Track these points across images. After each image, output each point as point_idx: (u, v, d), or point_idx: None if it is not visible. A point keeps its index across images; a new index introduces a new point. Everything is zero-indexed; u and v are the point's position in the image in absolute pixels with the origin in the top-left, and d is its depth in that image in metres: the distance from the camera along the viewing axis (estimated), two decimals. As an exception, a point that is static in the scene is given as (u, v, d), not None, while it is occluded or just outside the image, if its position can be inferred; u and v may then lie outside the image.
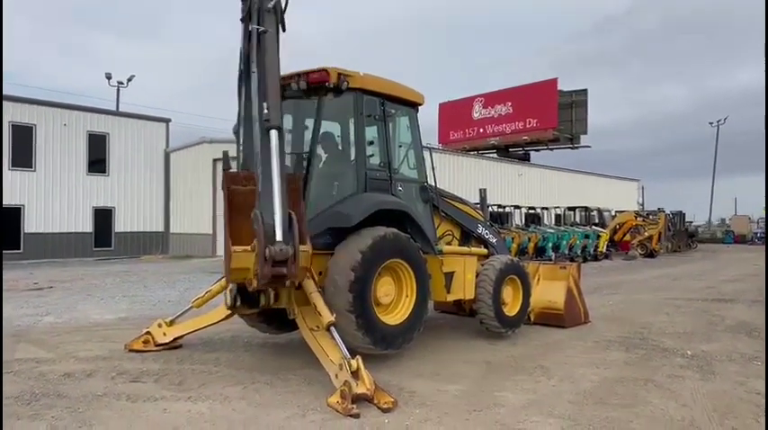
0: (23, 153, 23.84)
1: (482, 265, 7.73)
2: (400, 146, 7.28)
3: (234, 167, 5.67)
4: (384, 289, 6.14)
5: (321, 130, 6.41)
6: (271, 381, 5.62)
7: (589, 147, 46.10)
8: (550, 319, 8.60)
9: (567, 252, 23.42)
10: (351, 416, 4.58)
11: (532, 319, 8.59)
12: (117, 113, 29.33)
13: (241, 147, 5.77)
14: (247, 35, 5.19)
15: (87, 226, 25.73)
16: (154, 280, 14.90)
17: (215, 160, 24.04)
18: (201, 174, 25.44)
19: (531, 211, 27.47)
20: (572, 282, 8.82)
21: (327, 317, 5.41)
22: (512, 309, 7.80)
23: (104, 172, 26.26)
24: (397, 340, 6.11)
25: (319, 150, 6.53)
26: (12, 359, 6.42)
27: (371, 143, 6.64)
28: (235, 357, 6.62)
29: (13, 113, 23.54)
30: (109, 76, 39.97)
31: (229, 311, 6.25)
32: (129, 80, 40.96)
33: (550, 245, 23.03)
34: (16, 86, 64.36)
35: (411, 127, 7.30)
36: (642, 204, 50.27)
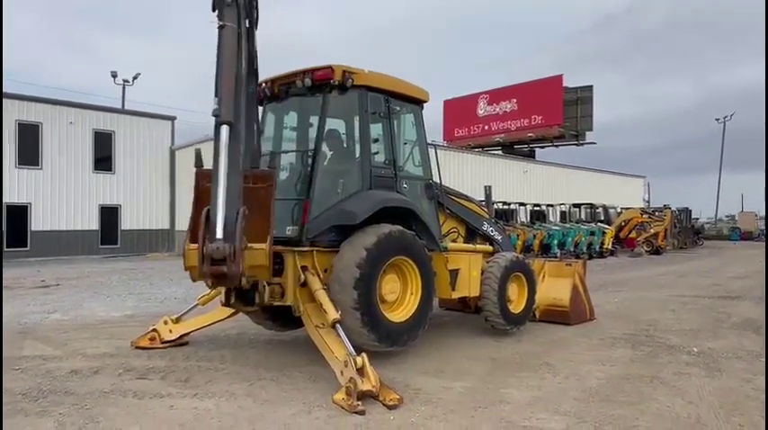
0: (30, 151, 23.94)
1: (487, 263, 7.72)
2: (405, 143, 7.27)
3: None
4: (389, 286, 6.14)
5: (326, 128, 6.41)
6: (276, 378, 5.64)
7: (594, 143, 45.96)
8: (556, 316, 8.59)
9: (572, 249, 23.37)
10: (356, 412, 4.59)
11: (538, 316, 8.58)
12: (123, 111, 29.39)
13: None
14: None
15: (93, 223, 25.84)
16: (160, 277, 14.94)
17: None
18: (207, 171, 25.41)
19: (536, 208, 27.42)
20: (577, 279, 8.81)
21: (333, 314, 5.42)
22: (517, 306, 7.79)
23: (110, 170, 26.35)
24: (403, 337, 6.11)
25: (324, 148, 6.53)
26: (19, 356, 6.47)
27: (376, 140, 6.64)
28: (240, 354, 6.64)
29: (20, 112, 23.63)
30: (114, 75, 40.08)
31: (234, 309, 6.27)
32: (135, 78, 41.09)
33: (556, 242, 22.98)
34: (22, 85, 64.70)
35: (416, 124, 7.30)
36: (648, 201, 50.06)
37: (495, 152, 43.60)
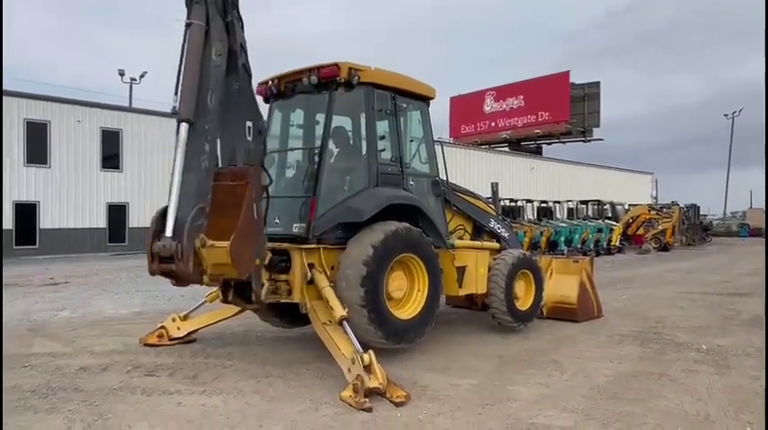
0: (38, 150, 24.05)
1: (494, 260, 7.70)
2: (412, 140, 7.26)
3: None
4: (396, 283, 6.14)
5: (332, 125, 6.41)
6: (284, 375, 5.66)
7: (602, 140, 45.85)
8: (563, 314, 8.56)
9: (579, 246, 23.30)
10: (363, 410, 4.60)
11: (545, 314, 8.56)
12: (130, 110, 29.49)
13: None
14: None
15: (101, 221, 25.95)
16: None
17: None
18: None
19: (543, 205, 27.31)
20: (585, 276, 8.78)
21: (339, 311, 5.43)
22: (524, 303, 7.78)
23: (118, 168, 26.45)
24: (409, 334, 6.11)
25: (331, 145, 6.53)
26: (28, 353, 6.51)
27: (383, 138, 6.63)
28: (248, 351, 6.66)
29: (28, 110, 23.74)
30: (122, 73, 40.25)
31: (235, 305, 6.26)
32: (142, 76, 41.27)
33: (563, 239, 22.91)
34: (30, 84, 64.92)
35: (422, 121, 7.28)
36: (656, 197, 49.83)
37: (502, 149, 43.53)
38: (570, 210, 29.50)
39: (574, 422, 4.44)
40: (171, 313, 7.25)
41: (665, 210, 30.83)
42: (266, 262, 5.50)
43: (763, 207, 53.76)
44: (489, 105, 45.78)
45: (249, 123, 5.33)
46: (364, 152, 6.57)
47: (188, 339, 6.97)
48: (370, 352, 5.03)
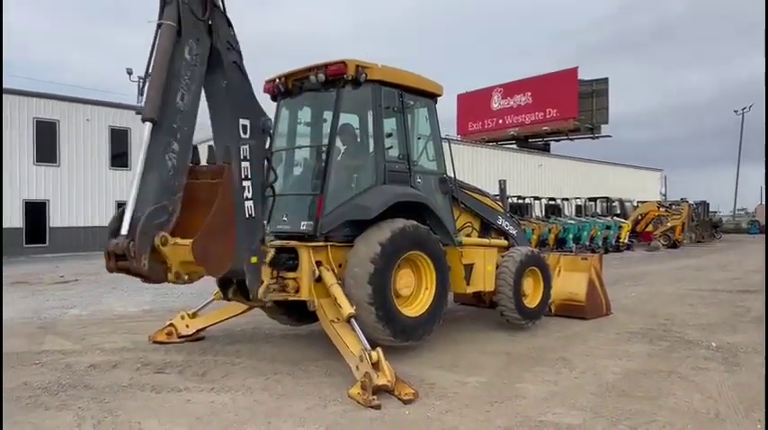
0: (48, 148, 24.23)
1: (502, 257, 7.69)
2: (419, 137, 7.24)
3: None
4: (404, 281, 6.14)
5: (340, 123, 6.41)
6: (292, 373, 5.67)
7: (610, 136, 45.58)
8: (572, 311, 8.53)
9: (588, 243, 23.21)
10: (372, 407, 4.60)
11: (553, 311, 8.53)
12: (138, 108, 29.59)
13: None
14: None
15: (111, 220, 26.09)
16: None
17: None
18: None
19: (551, 202, 27.24)
20: (593, 273, 8.74)
21: (347, 309, 5.44)
22: (532, 300, 7.76)
23: (127, 166, 26.58)
24: (417, 332, 6.11)
25: (338, 143, 6.53)
26: (39, 351, 6.56)
27: (390, 135, 6.62)
28: (256, 349, 6.68)
29: (37, 109, 23.92)
30: (130, 72, 40.35)
31: (239, 302, 6.28)
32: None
33: (571, 236, 22.84)
34: (39, 83, 65.33)
35: (430, 118, 7.27)
36: (665, 194, 49.55)
37: (510, 146, 43.37)
38: (578, 208, 29.42)
39: (582, 420, 4.43)
40: (180, 311, 7.28)
41: (674, 206, 30.66)
42: (267, 260, 5.53)
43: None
44: (497, 102, 45.63)
45: (246, 121, 5.36)
46: (372, 150, 6.56)
47: (197, 337, 7.01)
48: (378, 349, 5.03)
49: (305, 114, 7.11)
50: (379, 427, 4.28)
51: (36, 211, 23.77)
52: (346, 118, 6.77)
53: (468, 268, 7.22)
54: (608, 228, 24.78)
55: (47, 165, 24.19)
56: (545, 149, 44.55)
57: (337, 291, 5.64)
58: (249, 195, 5.29)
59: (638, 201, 33.66)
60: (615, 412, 4.58)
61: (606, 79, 44.24)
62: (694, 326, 8.09)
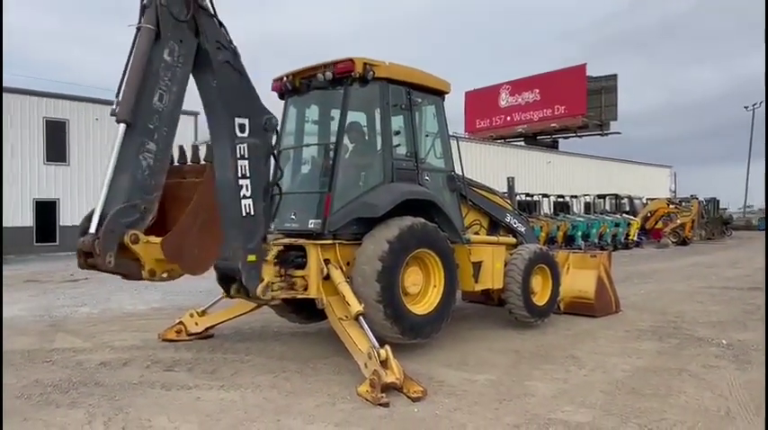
0: (57, 148, 24.38)
1: (510, 255, 7.66)
2: (427, 135, 7.24)
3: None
4: (412, 278, 6.14)
5: (347, 121, 6.40)
6: (301, 370, 5.68)
7: (619, 133, 45.33)
8: (581, 309, 8.50)
9: (596, 240, 23.09)
10: (380, 405, 4.61)
11: (562, 309, 8.50)
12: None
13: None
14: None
15: (120, 218, 26.22)
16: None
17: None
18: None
19: (559, 200, 27.13)
20: (603, 270, 8.70)
21: (356, 306, 5.44)
22: (541, 298, 7.74)
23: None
24: (426, 330, 6.11)
25: (346, 141, 6.53)
26: (50, 349, 6.61)
27: (398, 133, 6.61)
28: (265, 346, 6.70)
29: (47, 109, 24.06)
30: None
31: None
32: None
33: (580, 233, 22.72)
34: (48, 82, 65.79)
35: (437, 116, 7.25)
36: (674, 191, 49.24)
37: (518, 143, 43.23)
38: (587, 205, 29.29)
39: (592, 417, 4.41)
40: (189, 309, 7.31)
41: (683, 203, 30.45)
42: (269, 258, 5.57)
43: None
44: (504, 99, 45.46)
45: (244, 120, 5.40)
46: (379, 147, 6.56)
47: (206, 335, 7.04)
48: (387, 347, 5.04)
49: (313, 112, 7.12)
50: (388, 425, 4.28)
51: (46, 210, 23.93)
52: (354, 116, 6.77)
53: (477, 266, 7.21)
54: (617, 225, 24.65)
55: (57, 165, 24.35)
56: (553, 146, 44.38)
57: (345, 288, 5.64)
58: (247, 194, 5.35)
59: (647, 198, 33.44)
60: (625, 410, 4.56)
61: (615, 76, 43.99)
62: (704, 323, 8.04)
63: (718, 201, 35.27)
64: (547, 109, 42.74)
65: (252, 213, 5.41)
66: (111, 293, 11.17)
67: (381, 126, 6.52)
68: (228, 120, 5.33)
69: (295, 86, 6.73)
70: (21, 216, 23.12)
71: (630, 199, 30.97)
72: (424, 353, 6.21)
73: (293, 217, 6.39)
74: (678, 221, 27.91)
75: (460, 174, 7.31)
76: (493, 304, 8.81)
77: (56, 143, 24.33)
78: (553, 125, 43.12)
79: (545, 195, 26.55)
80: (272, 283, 5.74)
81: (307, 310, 6.75)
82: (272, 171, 5.72)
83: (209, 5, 5.21)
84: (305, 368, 5.76)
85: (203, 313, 7.14)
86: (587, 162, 41.86)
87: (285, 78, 6.78)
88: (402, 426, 4.26)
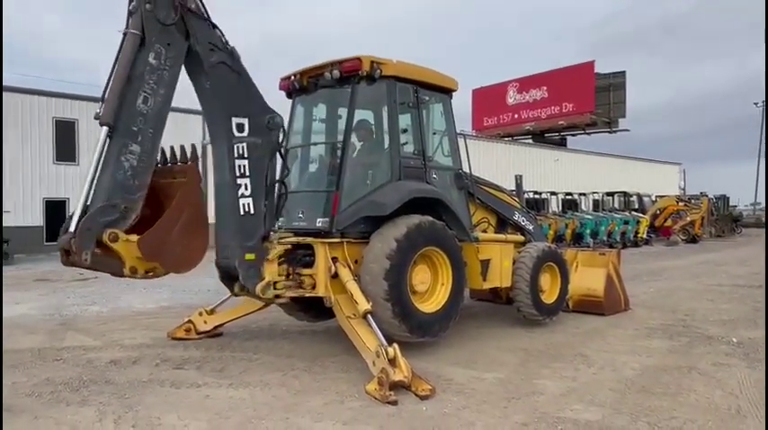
0: (67, 147, 24.50)
1: (519, 253, 7.64)
2: (434, 133, 7.22)
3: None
4: (420, 277, 6.13)
5: (355, 119, 6.40)
6: (309, 368, 5.70)
7: (628, 130, 45.08)
8: (589, 307, 8.47)
9: (605, 238, 22.98)
10: (389, 403, 4.61)
11: (571, 307, 8.47)
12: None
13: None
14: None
15: (129, 217, 26.36)
16: (193, 269, 15.19)
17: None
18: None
19: (568, 197, 26.98)
20: (612, 268, 8.66)
21: (364, 305, 5.44)
22: (549, 296, 7.71)
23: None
24: (434, 328, 6.10)
25: (353, 139, 6.53)
26: (60, 347, 6.66)
27: (405, 131, 6.61)
28: (274, 345, 6.72)
29: (56, 109, 24.19)
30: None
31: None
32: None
33: (588, 231, 22.60)
34: (58, 82, 66.26)
35: (445, 113, 7.24)
36: (684, 188, 48.91)
37: (526, 141, 43.08)
38: (596, 202, 29.11)
39: (601, 416, 4.39)
40: (198, 307, 7.34)
41: (693, 201, 30.24)
42: (271, 257, 5.61)
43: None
44: (512, 97, 45.30)
45: (243, 120, 5.43)
46: (387, 146, 6.56)
47: (215, 333, 7.06)
48: (395, 345, 5.04)
49: (320, 111, 7.12)
50: (396, 423, 4.29)
51: (56, 210, 24.06)
52: (361, 114, 6.76)
53: (485, 264, 7.19)
54: (626, 222, 24.51)
55: (66, 164, 24.49)
56: (561, 144, 44.20)
57: (353, 287, 5.65)
58: (246, 193, 5.45)
59: (656, 196, 33.23)
60: (635, 408, 4.54)
61: (623, 72, 43.73)
62: (715, 321, 7.99)
63: (728, 199, 35.03)
64: (555, 106, 42.55)
65: (251, 212, 5.47)
66: (121, 292, 11.23)
67: (389, 124, 6.51)
68: (225, 120, 5.41)
69: (302, 85, 6.74)
70: (31, 215, 23.27)
71: (639, 196, 30.76)
72: (433, 352, 6.20)
73: (301, 215, 6.40)
74: (688, 219, 27.72)
75: (468, 172, 7.29)
76: (501, 302, 8.80)
77: (65, 143, 24.46)
78: (561, 122, 42.94)
79: (553, 193, 26.43)
80: (276, 282, 5.77)
81: (315, 309, 6.76)
82: (279, 169, 5.76)
83: (200, 8, 5.27)
84: (313, 366, 5.77)
85: (212, 312, 7.16)
86: (596, 159, 41.66)
87: (292, 77, 6.79)
88: (410, 425, 4.26)
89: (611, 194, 29.38)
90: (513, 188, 12.97)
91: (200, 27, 5.26)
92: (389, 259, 5.66)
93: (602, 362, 5.88)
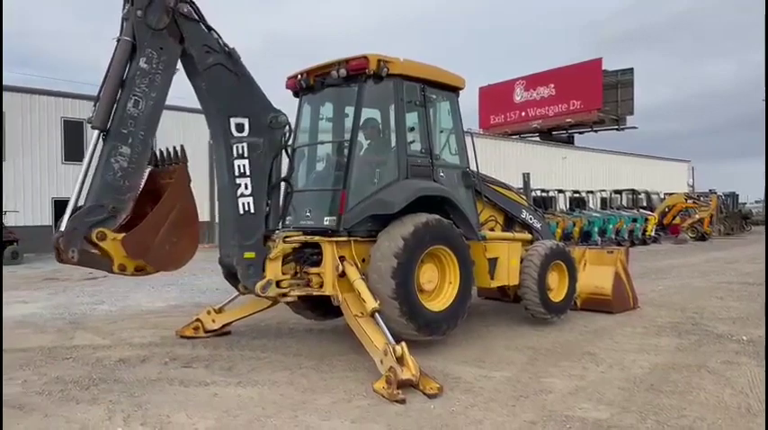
0: (75, 147, 24.61)
1: (526, 251, 7.62)
2: (441, 131, 7.21)
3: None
4: (427, 275, 6.12)
5: (362, 118, 6.40)
6: (317, 367, 5.71)
7: (636, 128, 44.87)
8: (598, 305, 8.43)
9: (613, 236, 22.90)
10: (396, 401, 4.61)
11: (579, 305, 8.44)
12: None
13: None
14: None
15: (137, 217, 26.48)
16: (201, 268, 15.22)
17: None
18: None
19: (575, 195, 26.90)
20: (620, 266, 8.63)
21: (371, 303, 5.44)
22: (557, 294, 7.68)
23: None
24: (442, 326, 6.09)
25: (360, 138, 6.53)
26: (70, 346, 6.70)
27: (412, 129, 6.60)
28: (282, 343, 6.74)
29: (65, 109, 24.33)
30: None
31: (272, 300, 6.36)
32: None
33: (596, 229, 22.53)
34: (65, 83, 66.64)
35: (452, 112, 7.22)
36: (693, 186, 48.64)
37: (533, 138, 42.96)
38: (604, 200, 29.01)
39: (610, 414, 4.38)
40: (206, 306, 7.38)
41: (702, 198, 30.09)
42: (272, 256, 5.66)
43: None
44: (519, 95, 45.19)
45: (243, 120, 5.46)
46: (394, 144, 6.55)
47: (223, 331, 7.09)
48: (403, 343, 5.03)
49: (327, 110, 7.12)
50: (404, 421, 4.29)
51: (65, 210, 24.24)
52: (368, 113, 6.75)
53: (492, 262, 7.17)
54: (634, 220, 24.42)
55: (75, 164, 24.61)
56: (569, 142, 44.06)
57: (361, 285, 5.65)
58: (246, 192, 5.53)
59: (664, 193, 33.08)
60: (643, 407, 4.52)
61: (631, 70, 43.53)
62: (724, 319, 7.94)
63: (737, 196, 34.87)
64: (562, 104, 42.43)
65: (251, 211, 5.51)
66: (130, 291, 11.29)
67: (396, 123, 6.51)
68: (223, 120, 5.47)
69: (309, 84, 6.74)
70: (40, 215, 23.43)
71: (648, 194, 30.64)
72: (440, 350, 6.20)
73: (308, 214, 6.41)
74: (696, 216, 27.59)
75: (475, 170, 7.28)
76: (509, 301, 8.78)
77: (74, 143, 24.58)
78: (569, 120, 42.80)
79: (561, 191, 26.37)
80: (280, 281, 5.79)
81: (322, 307, 6.77)
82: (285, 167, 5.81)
83: (193, 12, 5.32)
84: (321, 365, 5.78)
85: (220, 310, 7.19)
86: (603, 157, 41.51)
87: (299, 76, 6.80)
88: (418, 423, 4.26)
89: (618, 192, 29.29)
90: (521, 186, 12.95)
91: (195, 30, 5.35)
92: (397, 257, 5.66)
93: (611, 361, 5.86)
